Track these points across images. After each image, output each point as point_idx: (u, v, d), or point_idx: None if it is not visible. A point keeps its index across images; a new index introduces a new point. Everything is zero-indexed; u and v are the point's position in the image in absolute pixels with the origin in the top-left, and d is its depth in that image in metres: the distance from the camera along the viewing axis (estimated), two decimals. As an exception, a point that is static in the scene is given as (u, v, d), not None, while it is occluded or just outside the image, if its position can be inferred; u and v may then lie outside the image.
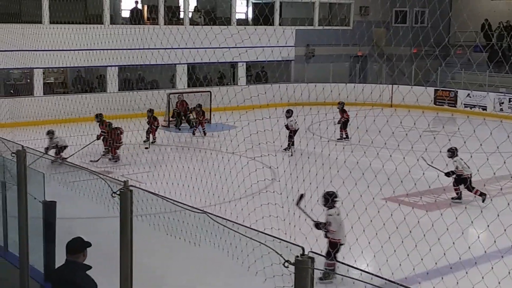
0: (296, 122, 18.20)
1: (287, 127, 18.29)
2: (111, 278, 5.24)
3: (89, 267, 5.41)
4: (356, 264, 6.32)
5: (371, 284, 3.47)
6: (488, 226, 6.95)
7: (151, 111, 18.70)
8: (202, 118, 21.18)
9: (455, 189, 13.15)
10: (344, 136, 19.48)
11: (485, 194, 12.50)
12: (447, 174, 12.93)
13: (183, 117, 22.79)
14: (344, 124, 19.51)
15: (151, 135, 18.38)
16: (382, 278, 3.62)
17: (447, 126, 21.21)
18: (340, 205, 7.70)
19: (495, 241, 6.38)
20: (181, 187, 13.77)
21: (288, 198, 7.06)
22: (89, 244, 5.53)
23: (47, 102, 21.15)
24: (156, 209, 9.68)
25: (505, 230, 6.27)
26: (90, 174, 8.25)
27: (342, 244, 7.67)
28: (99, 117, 17.09)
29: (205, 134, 20.84)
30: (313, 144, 18.72)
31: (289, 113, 18.45)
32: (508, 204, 6.76)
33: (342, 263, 3.33)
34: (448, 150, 12.97)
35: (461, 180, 12.92)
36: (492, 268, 6.47)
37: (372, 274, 3.66)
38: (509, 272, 5.76)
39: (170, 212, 11.32)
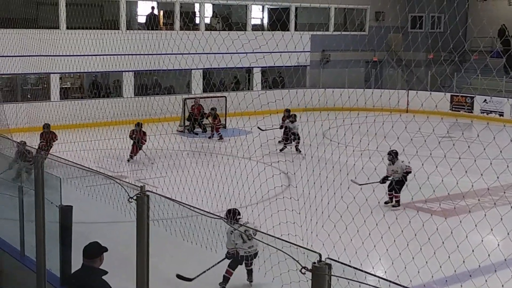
0: (298, 126, 18.74)
1: (286, 128, 19.08)
2: (127, 283, 5.25)
3: (106, 272, 5.41)
4: (373, 271, 6.29)
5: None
6: (508, 233, 6.88)
7: (139, 124, 17.63)
8: (217, 122, 21.23)
9: (394, 195, 13.27)
10: None
11: (399, 205, 12.91)
12: (383, 181, 13.04)
13: (197, 121, 22.85)
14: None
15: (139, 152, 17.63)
16: (400, 285, 3.58)
17: (465, 132, 21.06)
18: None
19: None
20: (197, 192, 13.76)
21: (305, 204, 7.04)
22: (105, 249, 5.53)
23: (63, 107, 21.29)
24: (172, 214, 9.70)
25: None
26: (107, 179, 8.29)
27: None
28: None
29: (221, 138, 20.90)
30: (330, 150, 18.69)
31: (294, 118, 19.09)
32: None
33: (360, 269, 3.31)
34: (389, 154, 12.98)
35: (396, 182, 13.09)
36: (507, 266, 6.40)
37: (390, 281, 3.63)
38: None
39: (187, 217, 11.33)
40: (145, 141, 16.89)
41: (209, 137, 21.18)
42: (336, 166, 7.94)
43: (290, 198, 7.28)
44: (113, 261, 5.67)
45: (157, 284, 7.79)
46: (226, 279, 8.87)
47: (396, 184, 13.14)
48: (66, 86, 25.97)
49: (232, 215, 8.44)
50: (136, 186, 4.52)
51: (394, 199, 13.22)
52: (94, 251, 5.48)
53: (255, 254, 8.45)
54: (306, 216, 6.94)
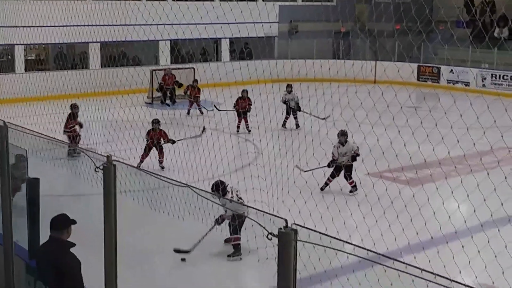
0: (296, 96, 18.32)
1: (285, 102, 18.45)
2: (95, 256, 5.25)
3: (73, 244, 5.40)
4: (338, 235, 6.35)
5: (354, 255, 3.51)
6: (468, 196, 7.01)
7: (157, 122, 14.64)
8: (197, 94, 20.56)
9: (330, 180, 12.33)
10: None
11: (356, 189, 12.16)
12: (329, 165, 12.25)
13: (169, 91, 22.63)
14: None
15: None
16: (365, 249, 3.65)
17: (429, 102, 21.29)
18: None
19: (474, 211, 6.45)
20: (166, 163, 13.75)
21: (271, 171, 7.10)
22: (73, 221, 5.51)
23: (28, 79, 20.95)
24: (140, 185, 9.71)
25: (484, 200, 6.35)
26: (74, 153, 8.22)
27: None
28: None
29: (201, 113, 20.35)
30: (301, 120, 18.82)
31: (290, 88, 18.49)
32: (488, 174, 6.83)
33: (325, 234, 3.36)
34: (342, 134, 12.29)
35: (337, 168, 12.31)
36: (472, 237, 6.56)
37: (355, 245, 3.70)
38: (488, 241, 5.85)
39: (154, 189, 11.37)
40: (166, 141, 13.60)
41: (187, 113, 20.41)
42: (301, 134, 7.99)
43: (256, 164, 7.33)
44: (81, 234, 5.66)
45: (126, 256, 7.81)
46: (238, 248, 8.60)
47: (346, 170, 12.34)
48: (31, 57, 25.53)
49: (216, 188, 8.30)
50: (103, 155, 4.50)
51: (350, 185, 12.42)
52: (62, 223, 5.47)
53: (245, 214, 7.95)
54: (272, 183, 7.01)
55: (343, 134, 12.28)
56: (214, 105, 18.04)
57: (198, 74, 23.01)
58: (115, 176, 4.38)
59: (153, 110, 20.67)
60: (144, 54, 26.85)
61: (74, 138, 14.85)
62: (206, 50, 29.13)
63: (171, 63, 25.84)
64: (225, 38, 27.13)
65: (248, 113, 17.53)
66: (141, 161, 13.66)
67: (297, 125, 18.26)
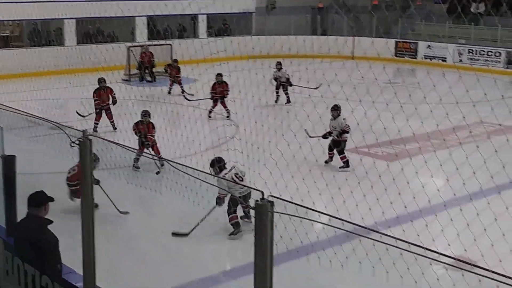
0: (286, 72, 18.12)
1: (276, 79, 18.29)
2: (72, 233, 5.26)
3: (51, 222, 5.39)
4: (326, 211, 6.41)
5: (333, 227, 3.54)
6: (447, 179, 7.11)
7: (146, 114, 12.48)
8: (177, 74, 19.88)
9: (330, 154, 12.41)
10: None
11: (348, 166, 12.04)
12: (324, 136, 12.32)
13: (146, 69, 22.45)
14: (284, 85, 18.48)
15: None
16: (340, 219, 3.69)
17: (407, 78, 21.41)
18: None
19: (448, 180, 6.54)
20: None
21: (247, 144, 7.11)
22: (51, 199, 5.49)
23: (2, 56, 20.66)
24: (117, 163, 9.68)
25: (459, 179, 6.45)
26: (51, 129, 8.14)
27: None
28: None
29: (183, 92, 20.09)
30: (276, 96, 18.83)
31: (279, 66, 18.26)
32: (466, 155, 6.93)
33: (301, 205, 3.38)
34: (333, 109, 12.14)
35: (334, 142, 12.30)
36: (445, 208, 6.66)
37: (331, 216, 3.73)
38: (451, 219, 5.95)
39: (131, 167, 11.34)
40: (153, 136, 11.78)
41: (168, 92, 19.97)
42: (284, 113, 8.00)
43: (233, 137, 7.32)
44: (58, 211, 5.65)
45: (104, 231, 7.81)
46: (236, 225, 8.61)
47: (333, 145, 12.33)
48: (5, 34, 25.14)
49: (217, 163, 8.48)
50: (79, 130, 4.48)
51: (341, 161, 12.31)
52: (39, 199, 5.45)
53: (249, 194, 8.19)
54: (248, 156, 7.04)
55: (333, 109, 12.18)
56: (185, 96, 17.69)
57: (175, 50, 22.86)
58: (91, 151, 4.37)
59: (130, 87, 20.55)
60: (120, 30, 26.56)
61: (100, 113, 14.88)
62: (184, 27, 28.90)
63: (148, 39, 25.60)
64: (202, 14, 26.91)
65: (225, 99, 16.77)
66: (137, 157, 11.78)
67: (288, 100, 18.21)
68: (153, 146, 11.70)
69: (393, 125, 7.42)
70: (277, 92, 18.27)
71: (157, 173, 10.35)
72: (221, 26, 29.27)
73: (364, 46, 22.69)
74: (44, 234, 5.30)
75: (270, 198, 3.08)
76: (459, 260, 3.46)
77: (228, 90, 16.32)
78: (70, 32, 24.16)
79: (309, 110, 7.73)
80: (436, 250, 3.11)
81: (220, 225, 8.54)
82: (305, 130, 11.48)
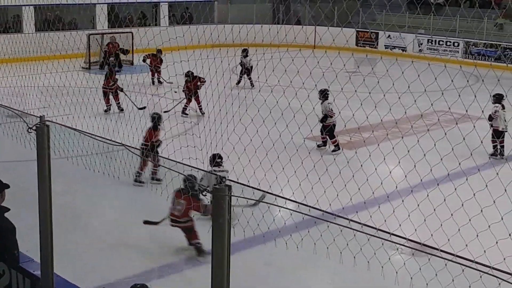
0: (251, 60, 19.17)
1: (241, 64, 19.30)
2: (30, 221, 5.19)
3: (7, 209, 5.30)
4: (282, 195, 6.46)
5: (298, 212, 3.56)
6: (399, 163, 7.20)
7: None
8: (158, 64, 19.81)
9: (322, 138, 12.90)
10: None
11: (339, 149, 12.50)
12: (322, 120, 12.68)
13: (113, 59, 22.30)
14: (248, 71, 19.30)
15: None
16: (307, 205, 3.73)
17: (365, 67, 21.59)
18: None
19: (415, 166, 6.63)
20: (105, 126, 13.52)
21: (205, 128, 7.11)
22: (6, 186, 5.40)
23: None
24: (76, 150, 9.57)
25: (415, 166, 6.53)
26: (7, 117, 8.02)
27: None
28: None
29: (160, 83, 19.99)
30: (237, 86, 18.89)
31: (246, 53, 19.26)
32: (418, 141, 7.01)
33: (269, 193, 3.41)
34: (319, 92, 12.47)
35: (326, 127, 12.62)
36: (402, 201, 6.76)
37: (298, 203, 3.77)
38: (418, 205, 6.03)
39: (92, 154, 11.23)
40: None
41: (152, 83, 19.96)
42: (248, 103, 8.01)
43: (190, 122, 7.27)
44: (16, 199, 5.57)
45: (63, 219, 7.75)
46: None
47: (323, 129, 12.69)
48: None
49: (213, 159, 8.91)
50: (36, 116, 4.41)
51: (332, 144, 12.77)
52: (-5, 186, 5.35)
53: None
54: (206, 140, 7.03)
55: (319, 92, 12.50)
56: (164, 110, 16.98)
57: (136, 38, 22.63)
58: (48, 137, 4.31)
59: (90, 75, 20.28)
60: (80, 18, 26.16)
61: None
62: (145, 15, 28.63)
63: (108, 27, 25.29)
64: (164, 2, 26.69)
65: (198, 92, 16.54)
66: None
67: (252, 84, 18.89)
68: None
69: (361, 113, 7.48)
70: (240, 77, 19.25)
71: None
72: (183, 14, 29.10)
73: (325, 36, 22.81)
74: (1, 222, 5.22)
75: (228, 182, 3.09)
76: (424, 245, 3.52)
77: (202, 82, 16.02)
78: (28, 19, 23.71)
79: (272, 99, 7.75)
80: (404, 236, 3.17)
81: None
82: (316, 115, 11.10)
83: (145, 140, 9.98)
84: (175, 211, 7.93)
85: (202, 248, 7.87)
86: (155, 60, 19.81)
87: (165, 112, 14.77)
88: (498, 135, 12.93)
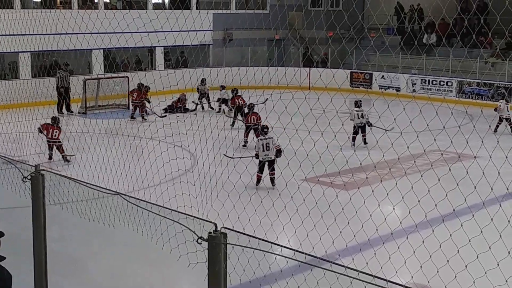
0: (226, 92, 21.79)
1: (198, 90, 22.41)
2: (27, 269, 5.13)
3: (3, 258, 5.26)
4: (277, 241, 6.40)
5: (294, 259, 3.54)
6: (402, 198, 7.17)
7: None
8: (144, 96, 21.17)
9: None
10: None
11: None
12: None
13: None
14: (238, 109, 20.10)
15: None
16: (302, 253, 3.70)
17: (363, 107, 21.70)
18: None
19: (409, 212, 6.60)
20: (103, 172, 13.53)
21: (200, 176, 7.11)
22: (1, 234, 5.37)
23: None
24: (71, 198, 9.54)
25: (419, 201, 6.52)
26: (3, 163, 8.01)
27: None
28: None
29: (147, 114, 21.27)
30: (236, 127, 18.96)
31: (222, 87, 22.07)
32: (422, 176, 7.02)
33: (265, 240, 3.40)
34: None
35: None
36: (407, 238, 6.73)
37: (294, 250, 3.74)
38: (423, 241, 6.01)
39: (86, 201, 11.18)
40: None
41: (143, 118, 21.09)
42: (236, 143, 8.01)
43: (185, 170, 7.30)
44: (11, 247, 5.51)
45: (57, 266, 7.66)
46: (257, 181, 12.87)
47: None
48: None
49: (262, 129, 13.33)
50: (31, 165, 4.41)
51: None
52: (-11, 236, 5.32)
53: (271, 161, 12.81)
54: (201, 188, 7.02)
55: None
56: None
57: (132, 83, 22.79)
58: (43, 186, 4.31)
59: (86, 120, 20.35)
60: (77, 63, 26.39)
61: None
62: (141, 59, 28.88)
63: (105, 72, 25.49)
64: (160, 46, 26.95)
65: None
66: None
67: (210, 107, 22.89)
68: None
69: (352, 153, 7.51)
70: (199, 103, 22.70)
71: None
72: (179, 57, 29.37)
73: (320, 76, 23.04)
74: (-3, 271, 5.17)
75: (223, 230, 3.08)
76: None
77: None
78: (25, 65, 23.91)
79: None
80: (401, 283, 3.14)
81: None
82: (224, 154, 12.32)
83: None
84: None
85: None
86: (139, 94, 20.36)
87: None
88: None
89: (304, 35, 29.96)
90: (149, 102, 21.12)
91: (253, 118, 17.38)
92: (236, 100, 20.11)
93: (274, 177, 13.13)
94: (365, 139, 16.42)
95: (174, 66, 28.84)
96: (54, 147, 15.69)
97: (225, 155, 12.46)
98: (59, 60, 25.95)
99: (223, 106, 22.14)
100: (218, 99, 22.29)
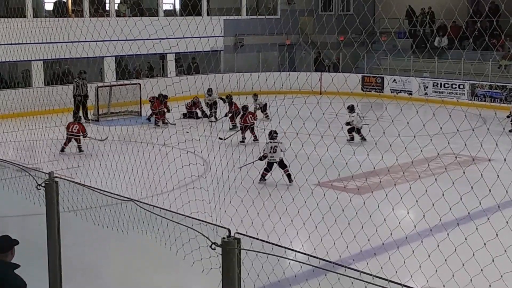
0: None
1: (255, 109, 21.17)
2: (41, 276, 5.15)
3: (17, 266, 5.29)
4: (291, 246, 6.40)
5: (308, 264, 3.52)
6: (416, 201, 7.13)
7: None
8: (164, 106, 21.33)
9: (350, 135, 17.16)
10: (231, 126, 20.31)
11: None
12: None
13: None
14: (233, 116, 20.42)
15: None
16: (316, 258, 3.68)
17: (375, 111, 21.66)
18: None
19: (424, 216, 6.57)
20: (116, 179, 13.60)
21: (213, 181, 7.11)
22: (16, 242, 5.40)
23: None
24: (84, 204, 9.59)
25: (433, 205, 6.48)
26: (16, 171, 8.07)
27: None
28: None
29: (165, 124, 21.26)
30: (248, 133, 18.94)
31: (256, 96, 21.81)
32: (436, 179, 6.97)
33: (278, 245, 3.38)
34: (347, 107, 16.93)
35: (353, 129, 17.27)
36: (422, 242, 6.69)
37: (308, 255, 3.72)
38: (438, 245, 5.97)
39: (100, 207, 11.22)
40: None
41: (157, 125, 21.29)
42: (255, 149, 8.03)
43: (198, 176, 7.30)
44: (25, 254, 5.54)
45: (72, 273, 7.68)
46: (262, 177, 13.37)
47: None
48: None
49: (270, 134, 13.62)
50: (45, 173, 4.43)
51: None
52: (4, 244, 5.35)
53: (281, 162, 13.40)
54: (214, 194, 7.02)
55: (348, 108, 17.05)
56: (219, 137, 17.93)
57: (145, 90, 22.85)
58: (57, 193, 4.33)
59: (99, 127, 20.43)
60: (89, 70, 26.52)
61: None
62: (153, 66, 28.98)
63: (117, 79, 25.59)
64: (171, 53, 27.04)
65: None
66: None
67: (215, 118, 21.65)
68: None
69: (365, 157, 7.48)
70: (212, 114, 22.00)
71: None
72: (190, 64, 29.43)
73: (332, 81, 22.98)
74: (11, 279, 5.20)
75: (237, 235, 3.08)
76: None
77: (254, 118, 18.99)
78: (37, 73, 24.06)
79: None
80: (415, 287, 3.11)
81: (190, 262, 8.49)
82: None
83: None
84: None
85: None
86: (159, 104, 20.88)
87: (220, 139, 15.08)
88: None
89: (316, 39, 29.95)
90: (169, 111, 21.18)
91: (250, 117, 18.34)
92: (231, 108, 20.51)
93: (289, 173, 13.41)
94: (362, 136, 17.37)
95: (185, 72, 28.90)
96: (72, 141, 16.66)
97: (220, 138, 13.77)
98: (72, 68, 26.10)
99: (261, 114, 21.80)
100: (255, 109, 21.64)
